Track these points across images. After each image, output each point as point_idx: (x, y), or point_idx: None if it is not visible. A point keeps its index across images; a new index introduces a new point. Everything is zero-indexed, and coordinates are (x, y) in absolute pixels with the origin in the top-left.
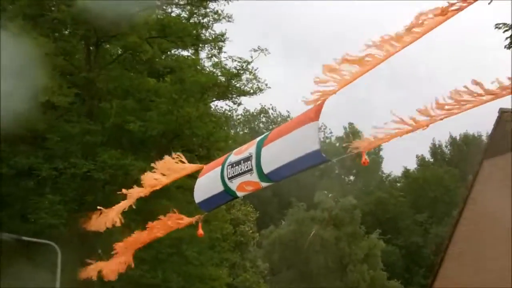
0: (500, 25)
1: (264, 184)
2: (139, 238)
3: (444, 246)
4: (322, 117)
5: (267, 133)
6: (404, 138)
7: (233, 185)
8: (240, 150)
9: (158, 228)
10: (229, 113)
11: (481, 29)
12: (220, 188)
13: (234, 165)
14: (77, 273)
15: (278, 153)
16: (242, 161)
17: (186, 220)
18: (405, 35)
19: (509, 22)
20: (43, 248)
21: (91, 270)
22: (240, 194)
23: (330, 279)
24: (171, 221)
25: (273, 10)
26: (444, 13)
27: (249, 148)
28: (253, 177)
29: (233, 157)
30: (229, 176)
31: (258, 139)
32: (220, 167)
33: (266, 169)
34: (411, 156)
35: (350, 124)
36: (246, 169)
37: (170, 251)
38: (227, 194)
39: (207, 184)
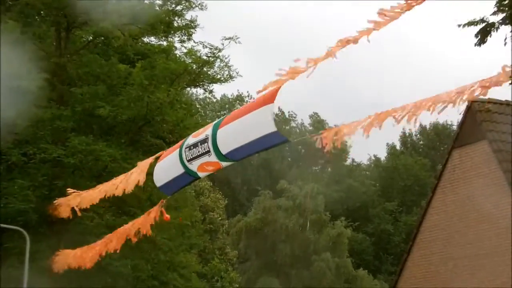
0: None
1: (224, 164)
2: (125, 231)
3: (413, 234)
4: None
5: (224, 116)
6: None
7: (194, 166)
8: (198, 133)
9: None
10: (207, 99)
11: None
12: (181, 170)
13: (192, 147)
14: (46, 259)
15: (234, 134)
16: (199, 143)
17: (153, 211)
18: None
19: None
20: (12, 235)
21: (60, 260)
22: (201, 174)
23: (297, 268)
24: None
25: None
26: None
27: (206, 131)
28: (212, 157)
29: (191, 139)
30: (188, 159)
31: (214, 122)
32: (178, 150)
33: (224, 150)
34: (380, 145)
35: (315, 113)
36: (204, 151)
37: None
38: (188, 176)
39: (167, 168)
